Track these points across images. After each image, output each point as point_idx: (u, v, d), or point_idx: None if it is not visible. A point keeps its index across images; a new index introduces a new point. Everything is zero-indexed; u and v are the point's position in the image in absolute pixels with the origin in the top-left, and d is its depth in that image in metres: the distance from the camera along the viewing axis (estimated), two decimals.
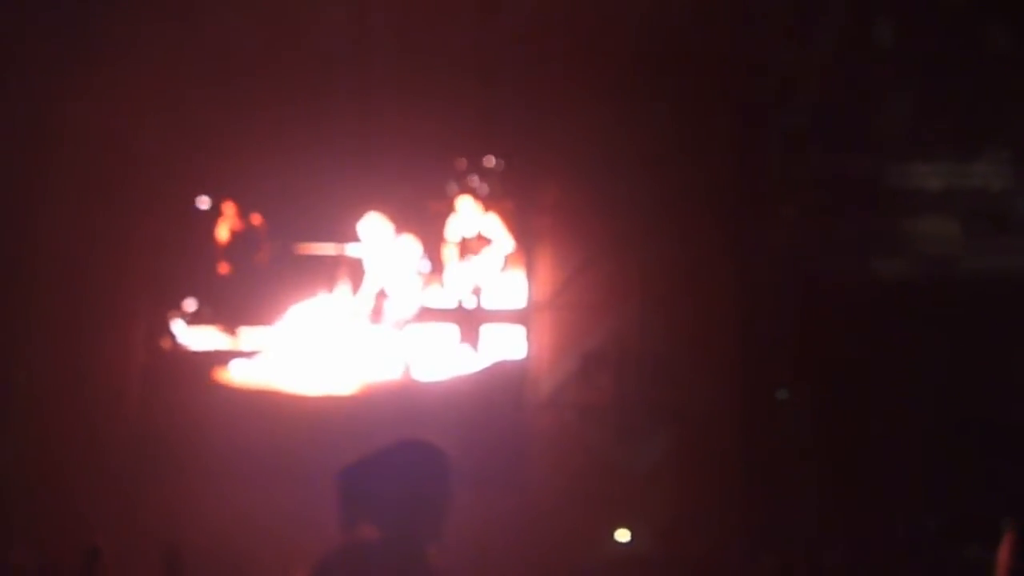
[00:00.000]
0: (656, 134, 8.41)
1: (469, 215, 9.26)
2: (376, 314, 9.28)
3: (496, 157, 9.34)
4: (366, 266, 9.31)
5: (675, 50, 8.33)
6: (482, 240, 9.27)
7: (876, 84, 7.91)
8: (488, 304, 9.21)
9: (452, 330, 9.24)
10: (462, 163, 9.34)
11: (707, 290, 8.35)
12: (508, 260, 9.23)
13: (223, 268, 9.45)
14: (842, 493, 7.76)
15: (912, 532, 7.70)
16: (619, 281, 8.61)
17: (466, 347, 9.17)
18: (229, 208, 9.49)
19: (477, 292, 9.21)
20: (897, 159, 8.07)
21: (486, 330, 9.19)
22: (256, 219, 9.50)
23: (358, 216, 9.33)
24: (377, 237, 9.27)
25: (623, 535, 8.24)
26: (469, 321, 9.21)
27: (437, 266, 9.28)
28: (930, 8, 7.72)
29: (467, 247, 9.26)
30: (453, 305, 9.23)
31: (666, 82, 8.39)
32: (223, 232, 9.48)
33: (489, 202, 9.33)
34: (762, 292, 8.22)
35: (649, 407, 8.39)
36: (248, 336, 9.35)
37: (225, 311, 9.46)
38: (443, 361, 9.16)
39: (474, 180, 9.32)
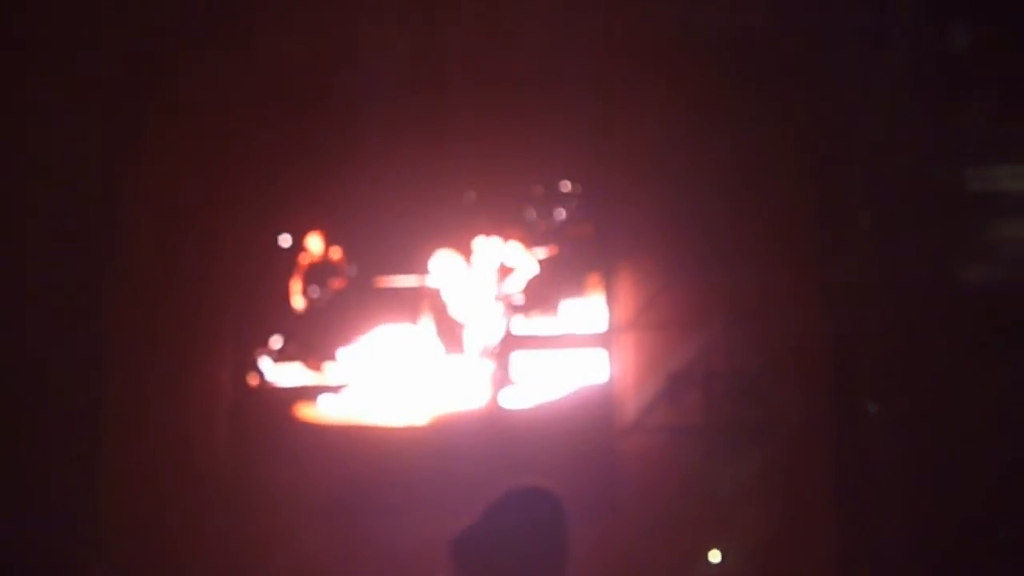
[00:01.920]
0: (733, 149, 8.33)
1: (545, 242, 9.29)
2: (459, 344, 9.31)
3: (572, 181, 9.35)
4: (447, 297, 9.36)
5: (749, 64, 8.25)
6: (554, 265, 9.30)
7: (954, 88, 7.76)
8: (569, 328, 9.21)
9: (536, 357, 9.25)
10: (538, 189, 9.37)
11: (792, 305, 8.24)
12: (587, 283, 9.25)
13: (304, 303, 9.57)
14: (937, 508, 7.58)
15: (1013, 545, 7.49)
16: (702, 300, 8.51)
17: (551, 373, 9.16)
18: (309, 242, 9.61)
19: (554, 316, 9.22)
20: (979, 163, 7.92)
21: (570, 355, 9.19)
22: (335, 253, 9.62)
23: (438, 246, 9.39)
24: (449, 272, 9.34)
25: (715, 556, 8.14)
26: (551, 346, 9.21)
27: (521, 293, 9.30)
28: (1006, 7, 7.56)
29: (542, 272, 9.29)
30: (536, 332, 9.26)
31: (741, 96, 8.31)
32: (303, 267, 9.60)
33: (567, 225, 9.34)
34: (848, 304, 8.09)
35: (738, 426, 8.28)
36: (334, 370, 9.43)
37: (310, 347, 9.54)
38: (529, 389, 9.17)
39: (551, 206, 9.35)
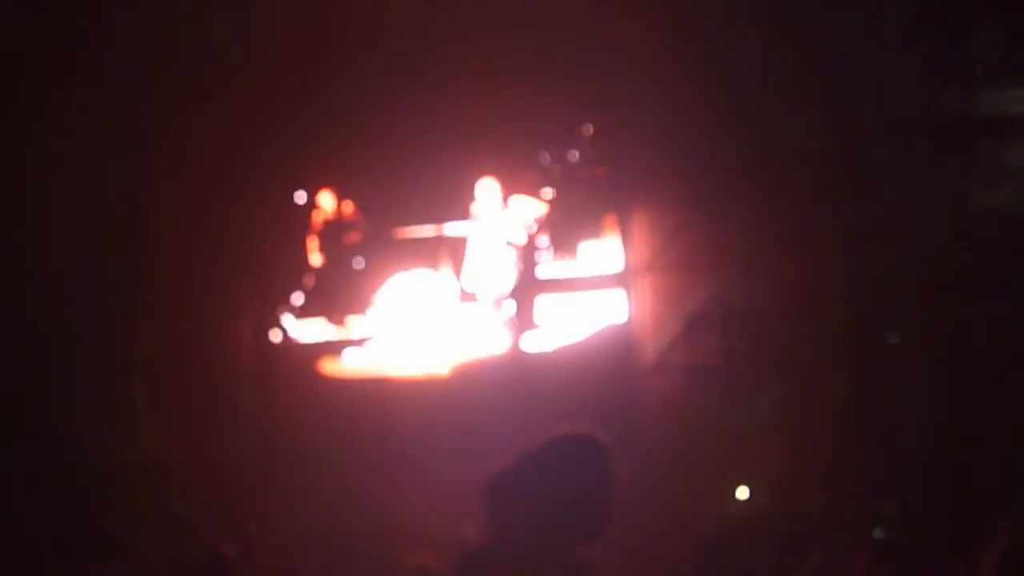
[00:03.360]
0: (745, 88, 8.24)
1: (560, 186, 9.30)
2: (479, 290, 9.33)
3: (585, 123, 9.31)
4: (467, 244, 9.38)
5: (758, 5, 8.17)
6: (570, 209, 9.30)
7: (962, 13, 7.67)
8: (587, 271, 9.23)
9: (556, 300, 9.28)
10: (555, 132, 9.34)
11: (808, 240, 8.18)
12: (604, 225, 9.27)
13: (323, 259, 9.62)
14: (957, 436, 7.58)
15: None
16: (718, 240, 8.49)
17: (572, 316, 9.19)
18: (324, 199, 9.64)
19: (577, 259, 9.23)
20: (990, 86, 7.83)
21: (589, 298, 9.22)
22: (348, 207, 9.65)
23: (454, 197, 9.39)
24: (482, 213, 9.35)
25: (743, 492, 8.18)
26: (569, 289, 9.24)
27: (539, 238, 9.30)
28: None
29: (558, 216, 9.29)
30: (555, 275, 9.28)
31: (753, 33, 8.22)
32: (319, 223, 9.63)
33: (582, 168, 9.32)
34: (864, 236, 8.06)
35: (758, 363, 8.28)
36: (356, 324, 9.50)
37: (331, 302, 9.60)
38: (550, 332, 9.21)
39: (567, 148, 9.32)
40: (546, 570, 3.01)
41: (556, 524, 3.00)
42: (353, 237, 9.58)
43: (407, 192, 9.43)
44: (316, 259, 9.55)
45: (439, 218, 9.46)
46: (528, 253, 9.26)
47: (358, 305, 9.47)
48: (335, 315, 9.48)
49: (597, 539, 3.04)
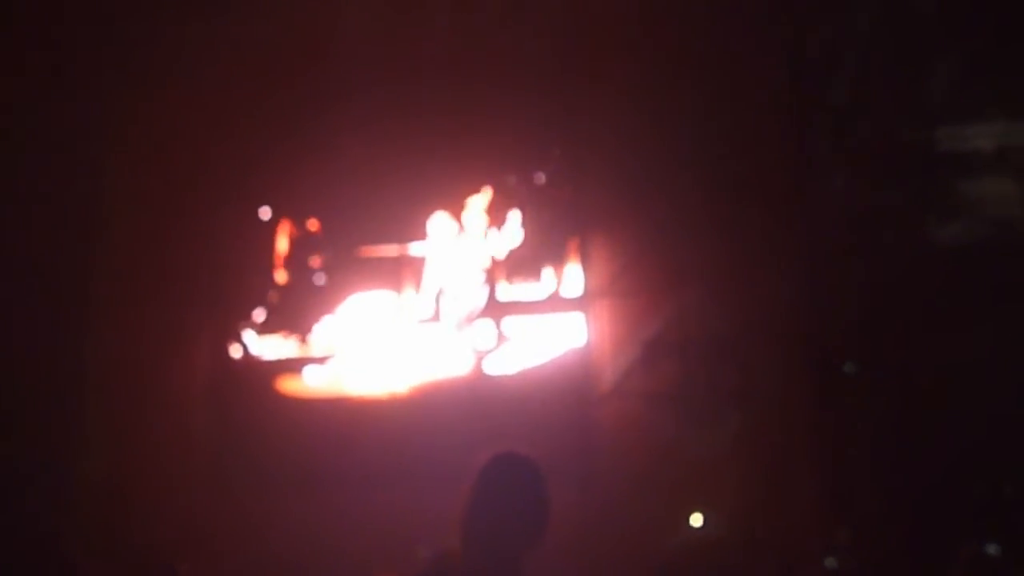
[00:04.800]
0: (704, 116, 8.32)
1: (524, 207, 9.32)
2: (442, 312, 9.35)
3: (550, 148, 9.35)
4: (429, 265, 9.40)
5: (718, 30, 8.24)
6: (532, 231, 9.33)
7: (922, 47, 7.76)
8: (549, 293, 9.22)
9: (517, 322, 9.29)
10: (520, 153, 9.38)
11: (766, 268, 8.25)
12: (564, 248, 9.27)
13: (286, 276, 9.60)
14: (914, 465, 7.65)
15: (991, 497, 7.57)
16: (677, 266, 8.51)
17: (532, 339, 9.21)
18: (287, 215, 9.62)
19: (538, 282, 9.26)
20: (948, 122, 7.92)
21: (550, 320, 9.24)
22: (313, 225, 9.64)
23: (419, 217, 9.41)
24: (444, 235, 9.36)
25: (697, 519, 8.21)
26: (530, 311, 9.26)
27: (501, 259, 9.34)
28: None
29: (520, 238, 9.33)
30: (516, 298, 9.30)
31: (710, 63, 8.31)
32: (282, 240, 9.62)
33: (545, 190, 9.35)
34: (821, 266, 8.13)
35: (715, 390, 8.33)
36: (318, 342, 9.48)
37: (293, 319, 9.59)
38: (510, 354, 9.23)
39: (533, 170, 9.37)
40: None
41: (498, 538, 3.33)
42: (316, 255, 9.58)
43: (371, 211, 9.43)
44: (279, 276, 9.54)
45: (402, 238, 9.47)
46: (490, 275, 9.30)
47: (320, 323, 9.47)
48: (297, 332, 9.48)
49: (534, 548, 3.36)
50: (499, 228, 9.32)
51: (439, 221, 9.32)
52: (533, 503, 3.39)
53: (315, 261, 9.54)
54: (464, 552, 3.36)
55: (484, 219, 9.30)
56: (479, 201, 9.32)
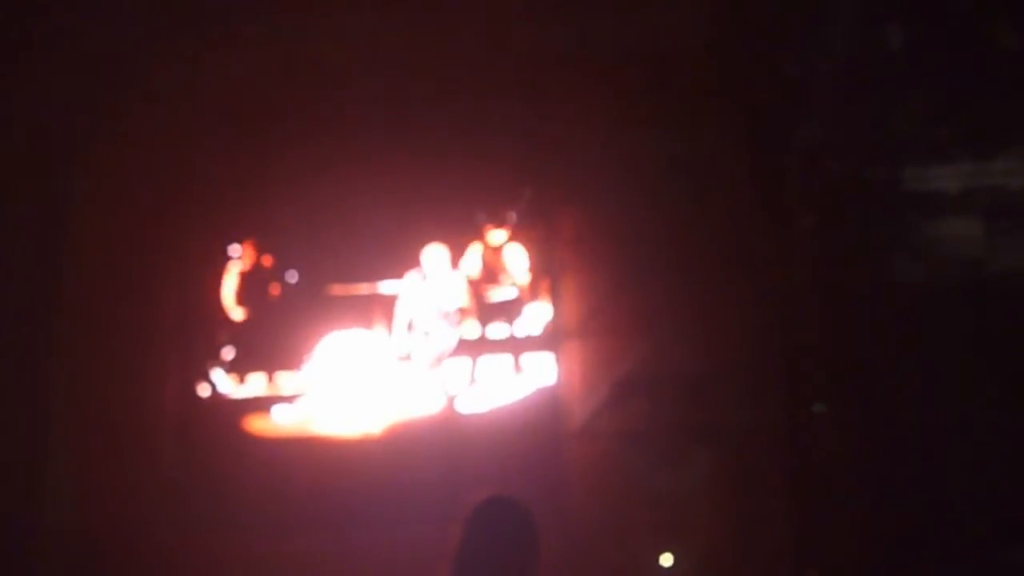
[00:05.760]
0: (672, 157, 8.37)
1: (495, 246, 9.34)
2: (413, 351, 9.34)
3: (521, 186, 9.38)
4: (400, 303, 9.38)
5: (686, 71, 8.31)
6: (503, 271, 9.35)
7: (888, 88, 7.84)
8: (519, 333, 9.24)
9: (490, 362, 9.29)
10: (491, 193, 9.41)
11: (735, 308, 8.28)
12: (535, 288, 9.30)
13: (255, 314, 9.57)
14: (887, 504, 7.66)
15: (960, 537, 7.59)
16: (647, 307, 8.52)
17: (506, 377, 9.21)
18: (256, 253, 9.60)
19: (509, 321, 9.27)
20: (915, 162, 8.00)
21: (520, 360, 9.23)
22: (282, 262, 9.56)
23: (390, 255, 9.40)
24: (414, 273, 9.35)
25: (667, 560, 8.19)
26: (501, 350, 9.26)
27: (472, 299, 9.34)
28: (939, 8, 7.64)
29: (491, 278, 9.34)
30: (490, 336, 9.30)
31: (679, 104, 8.37)
32: (252, 277, 9.59)
33: (516, 230, 9.38)
34: (789, 305, 8.15)
35: (685, 429, 8.33)
36: (287, 381, 9.43)
37: (262, 357, 9.53)
38: (481, 394, 9.21)
39: (503, 210, 9.39)
40: None
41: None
42: (285, 292, 9.55)
43: (341, 249, 9.43)
44: (247, 313, 9.50)
45: (373, 276, 9.46)
46: (461, 314, 9.30)
47: (290, 361, 9.42)
48: (266, 371, 9.42)
49: None
50: (469, 267, 9.36)
51: (410, 259, 9.32)
52: (526, 547, 3.41)
53: (285, 299, 9.52)
54: None
55: (454, 258, 9.33)
56: (450, 240, 9.35)
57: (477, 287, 9.29)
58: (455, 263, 9.33)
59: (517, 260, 9.29)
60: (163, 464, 9.02)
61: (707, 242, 8.36)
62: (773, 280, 8.23)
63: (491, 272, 9.28)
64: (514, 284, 9.27)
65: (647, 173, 8.50)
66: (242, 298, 9.53)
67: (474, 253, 9.33)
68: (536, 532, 3.48)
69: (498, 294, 9.28)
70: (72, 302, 8.99)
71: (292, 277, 9.53)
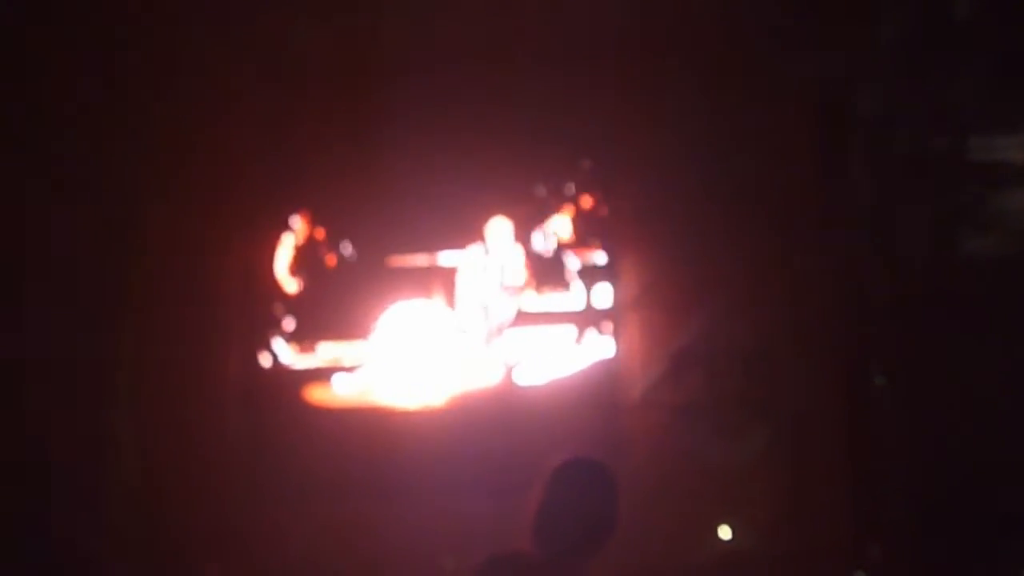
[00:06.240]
0: (734, 129, 8.32)
1: (554, 219, 9.34)
2: (472, 322, 9.37)
3: (582, 158, 9.36)
4: (460, 275, 9.43)
5: (748, 45, 8.25)
6: (563, 244, 9.36)
7: (952, 58, 7.72)
8: (577, 306, 9.25)
9: (549, 334, 9.32)
10: (550, 166, 9.39)
11: (795, 280, 8.23)
12: (593, 261, 9.28)
13: (316, 285, 9.63)
14: (945, 479, 7.60)
15: (1016, 517, 7.50)
16: (705, 279, 8.52)
17: (565, 350, 9.23)
18: (318, 225, 9.65)
19: (568, 294, 9.28)
20: (979, 133, 7.88)
21: (582, 332, 9.24)
22: (343, 235, 9.56)
23: (449, 227, 9.43)
24: (475, 245, 9.39)
25: (725, 532, 8.18)
26: (559, 323, 9.27)
27: (532, 271, 9.35)
28: None
29: (551, 251, 9.34)
30: (549, 308, 9.32)
31: (741, 77, 8.30)
32: (313, 249, 9.67)
33: (575, 203, 9.37)
34: (851, 278, 8.10)
35: (743, 403, 8.30)
36: (348, 352, 9.51)
37: (322, 328, 9.61)
38: (540, 365, 9.24)
39: (562, 182, 9.38)
40: None
41: (571, 542, 3.45)
42: (341, 264, 9.62)
43: (401, 221, 9.46)
44: (303, 285, 9.57)
45: (433, 248, 9.50)
46: (522, 286, 9.31)
47: (350, 332, 9.49)
48: (326, 341, 9.50)
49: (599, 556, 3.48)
50: (528, 239, 9.38)
51: (469, 231, 9.35)
52: (607, 508, 3.55)
53: (341, 270, 9.58)
54: (532, 554, 3.42)
55: (514, 230, 9.34)
56: (509, 212, 9.36)
57: (537, 260, 9.29)
58: (516, 236, 9.35)
59: (576, 233, 9.29)
60: (226, 433, 9.12)
61: (769, 215, 8.30)
62: (835, 253, 8.18)
63: (551, 245, 9.28)
64: (573, 257, 9.28)
65: (707, 146, 8.46)
66: (297, 269, 9.65)
67: (534, 226, 9.34)
68: (616, 498, 3.62)
69: (557, 267, 9.28)
70: (141, 270, 9.12)
71: (346, 248, 9.64)
